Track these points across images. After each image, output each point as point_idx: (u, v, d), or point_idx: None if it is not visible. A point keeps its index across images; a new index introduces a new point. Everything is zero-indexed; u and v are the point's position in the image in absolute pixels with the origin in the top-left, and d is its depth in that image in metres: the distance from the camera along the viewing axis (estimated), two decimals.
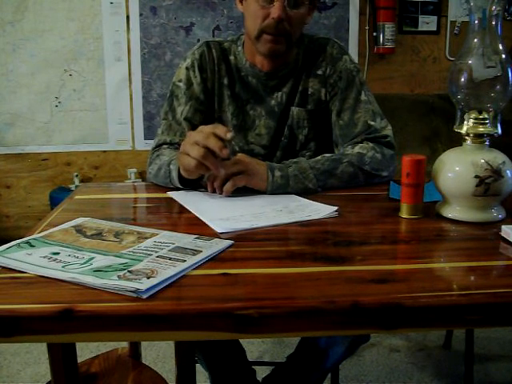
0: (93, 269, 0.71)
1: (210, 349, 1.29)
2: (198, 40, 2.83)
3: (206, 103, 1.32)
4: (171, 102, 1.33)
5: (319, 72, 1.31)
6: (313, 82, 1.31)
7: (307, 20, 1.28)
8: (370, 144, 1.22)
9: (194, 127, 1.21)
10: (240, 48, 1.33)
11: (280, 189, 1.11)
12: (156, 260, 0.74)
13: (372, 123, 1.25)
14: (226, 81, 1.32)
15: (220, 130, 1.03)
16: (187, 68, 1.32)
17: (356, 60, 2.79)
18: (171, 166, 1.15)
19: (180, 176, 1.13)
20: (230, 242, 0.83)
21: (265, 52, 1.24)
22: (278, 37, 1.21)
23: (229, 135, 1.02)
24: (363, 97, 1.28)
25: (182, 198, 1.10)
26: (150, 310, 0.62)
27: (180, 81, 1.32)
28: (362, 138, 1.24)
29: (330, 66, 1.30)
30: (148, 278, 0.67)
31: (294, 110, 1.31)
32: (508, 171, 0.91)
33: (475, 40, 0.92)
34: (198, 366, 1.20)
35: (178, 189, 1.16)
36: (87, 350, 1.91)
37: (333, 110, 1.30)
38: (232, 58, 1.33)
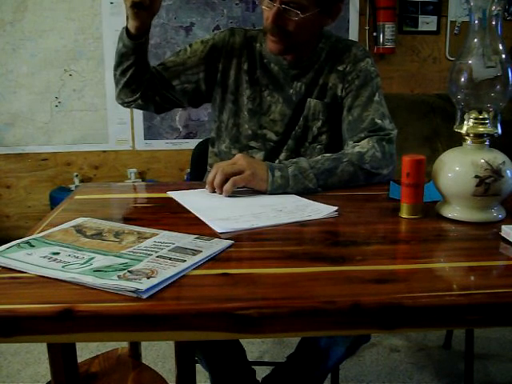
0: (93, 269, 0.71)
1: (210, 349, 1.29)
2: None
3: (193, 75, 1.36)
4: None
5: (340, 68, 1.33)
6: (333, 77, 1.33)
7: (322, 23, 1.30)
8: (371, 142, 1.23)
9: (163, 75, 1.34)
10: None
11: (280, 189, 1.11)
12: (156, 260, 0.74)
13: (379, 121, 1.27)
14: (245, 66, 1.36)
15: None
16: (202, 41, 1.38)
17: None
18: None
19: (128, 33, 1.21)
20: (229, 242, 0.83)
21: (269, 51, 1.30)
22: (277, 37, 1.25)
23: None
24: (376, 98, 1.30)
25: (182, 197, 1.10)
26: (150, 310, 0.62)
27: (190, 46, 1.38)
28: (365, 134, 1.25)
29: (351, 65, 1.33)
30: (148, 278, 0.67)
31: (312, 101, 1.33)
32: (508, 171, 0.91)
33: (475, 40, 0.92)
34: (198, 365, 1.20)
35: (177, 188, 1.16)
36: (87, 350, 1.91)
37: (345, 106, 1.32)
38: (257, 44, 1.38)
